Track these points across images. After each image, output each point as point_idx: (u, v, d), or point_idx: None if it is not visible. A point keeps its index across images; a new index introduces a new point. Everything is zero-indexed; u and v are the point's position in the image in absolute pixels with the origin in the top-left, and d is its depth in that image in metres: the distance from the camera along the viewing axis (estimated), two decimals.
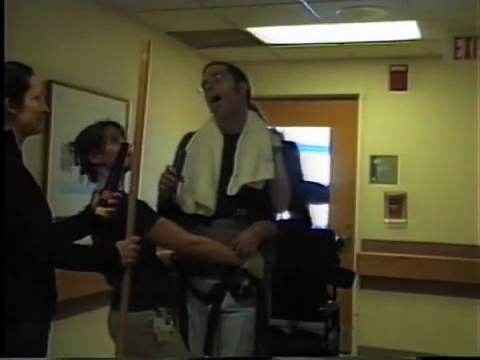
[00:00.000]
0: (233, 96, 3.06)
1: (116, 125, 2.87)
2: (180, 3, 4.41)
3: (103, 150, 2.75)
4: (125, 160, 2.66)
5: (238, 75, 3.12)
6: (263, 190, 2.97)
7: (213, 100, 3.06)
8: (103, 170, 2.74)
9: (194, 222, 2.98)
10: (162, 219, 2.77)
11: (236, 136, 3.05)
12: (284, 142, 3.06)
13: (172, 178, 2.92)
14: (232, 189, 2.95)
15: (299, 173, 3.16)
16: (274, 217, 3.11)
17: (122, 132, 2.86)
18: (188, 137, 3.18)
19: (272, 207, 3.05)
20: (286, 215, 3.20)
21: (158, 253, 2.91)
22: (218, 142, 3.07)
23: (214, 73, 3.08)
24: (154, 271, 2.80)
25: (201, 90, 3.11)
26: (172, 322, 2.77)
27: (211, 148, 3.06)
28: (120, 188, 2.67)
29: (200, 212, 2.98)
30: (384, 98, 6.12)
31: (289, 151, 3.09)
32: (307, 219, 3.26)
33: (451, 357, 4.96)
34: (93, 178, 2.81)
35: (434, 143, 5.94)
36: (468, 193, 5.71)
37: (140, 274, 2.62)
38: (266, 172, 2.97)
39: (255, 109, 3.19)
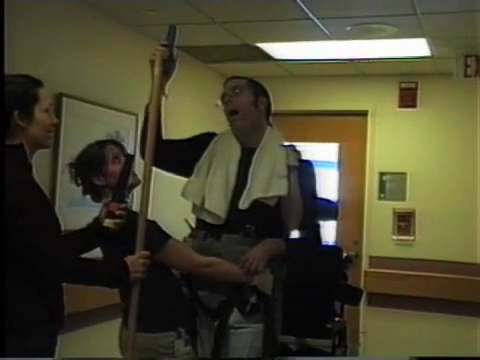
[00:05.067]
0: (251, 110, 3.06)
1: (115, 143, 2.85)
2: (190, 18, 4.43)
3: (105, 171, 2.71)
4: (131, 172, 2.66)
5: (258, 90, 3.13)
6: (275, 207, 2.96)
7: (231, 113, 3.07)
8: (107, 191, 2.71)
9: (204, 236, 2.98)
10: (172, 240, 2.75)
11: (253, 150, 3.05)
12: (301, 161, 3.04)
13: (164, 49, 2.83)
14: (244, 203, 2.94)
15: (313, 193, 3.14)
16: (284, 235, 3.08)
17: (122, 150, 2.82)
18: (207, 136, 3.17)
19: (283, 225, 3.03)
20: (296, 233, 3.18)
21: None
22: (235, 154, 3.06)
23: (233, 87, 3.09)
24: (173, 291, 2.80)
25: (219, 103, 3.12)
26: (190, 344, 2.76)
27: (228, 158, 3.05)
28: (127, 200, 2.67)
29: (209, 220, 2.97)
30: (393, 115, 6.13)
31: (305, 170, 3.07)
32: (317, 237, 3.25)
33: (451, 357, 4.92)
34: (96, 198, 2.78)
35: (443, 160, 5.93)
36: (477, 210, 5.69)
37: (159, 294, 2.62)
38: (279, 188, 2.96)
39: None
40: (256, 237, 2.93)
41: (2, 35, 2.45)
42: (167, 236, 2.75)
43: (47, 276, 2.33)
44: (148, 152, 2.68)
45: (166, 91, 2.91)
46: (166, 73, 2.86)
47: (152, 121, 2.71)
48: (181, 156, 3.07)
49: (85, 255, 2.61)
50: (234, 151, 3.07)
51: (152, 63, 2.83)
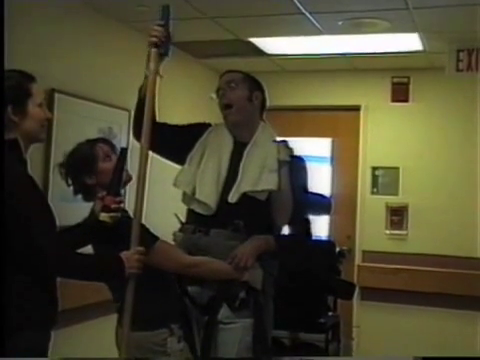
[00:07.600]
0: (245, 105, 3.07)
1: (105, 141, 2.85)
2: (182, 13, 4.41)
3: (96, 170, 2.72)
4: (125, 165, 2.65)
5: (253, 84, 3.13)
6: (266, 202, 2.96)
7: (225, 107, 3.07)
8: (98, 190, 2.71)
9: (192, 230, 2.98)
10: (160, 241, 2.75)
11: (245, 144, 3.05)
12: (292, 156, 3.04)
13: (160, 29, 2.80)
14: (233, 196, 2.93)
15: (304, 188, 3.14)
16: (275, 231, 3.07)
17: (112, 147, 2.82)
18: (201, 125, 3.18)
19: (273, 220, 3.02)
20: (286, 228, 3.18)
21: None
22: (227, 147, 3.06)
23: (229, 81, 3.09)
24: (164, 287, 2.79)
25: (214, 96, 3.11)
26: (183, 340, 2.76)
27: (220, 151, 3.05)
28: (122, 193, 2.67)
29: (199, 211, 2.97)
30: (386, 109, 6.14)
31: (296, 165, 3.06)
32: (307, 233, 3.25)
33: (451, 357, 4.94)
34: (87, 198, 2.78)
35: (436, 155, 5.94)
36: (469, 205, 5.70)
37: (150, 291, 2.62)
38: (268, 182, 2.95)
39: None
40: (245, 232, 2.93)
41: (2, 33, 2.45)
42: (155, 238, 2.74)
43: (43, 270, 2.33)
44: (144, 137, 2.66)
45: (160, 72, 2.87)
46: (162, 54, 2.84)
47: (148, 105, 2.71)
48: (174, 140, 3.07)
49: (80, 250, 2.61)
50: (226, 144, 3.07)
51: (151, 44, 2.80)
